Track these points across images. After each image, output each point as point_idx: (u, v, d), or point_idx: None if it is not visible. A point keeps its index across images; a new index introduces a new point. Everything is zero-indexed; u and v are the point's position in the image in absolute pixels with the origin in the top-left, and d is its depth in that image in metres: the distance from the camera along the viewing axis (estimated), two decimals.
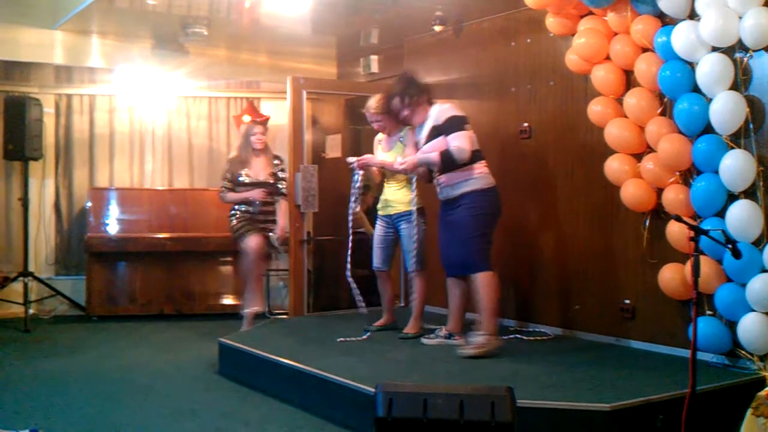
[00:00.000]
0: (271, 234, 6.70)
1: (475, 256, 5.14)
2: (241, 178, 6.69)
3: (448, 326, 5.50)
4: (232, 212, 6.75)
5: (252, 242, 6.58)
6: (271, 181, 6.74)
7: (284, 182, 6.81)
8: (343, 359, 5.04)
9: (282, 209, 6.77)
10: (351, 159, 5.79)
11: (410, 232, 5.72)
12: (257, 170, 6.73)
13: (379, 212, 5.95)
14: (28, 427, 3.93)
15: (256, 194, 6.65)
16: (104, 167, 8.60)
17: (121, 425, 4.44)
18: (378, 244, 5.95)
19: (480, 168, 5.23)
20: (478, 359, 4.96)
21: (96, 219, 8.21)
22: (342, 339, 5.68)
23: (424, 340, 5.49)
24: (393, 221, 5.84)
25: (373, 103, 5.80)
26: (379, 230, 5.95)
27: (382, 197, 5.93)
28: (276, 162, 6.82)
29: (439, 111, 5.29)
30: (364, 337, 5.75)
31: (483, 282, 5.12)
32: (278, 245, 6.75)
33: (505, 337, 5.53)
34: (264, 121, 6.93)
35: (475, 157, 5.22)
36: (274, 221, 6.74)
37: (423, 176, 5.55)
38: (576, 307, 5.81)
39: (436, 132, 5.24)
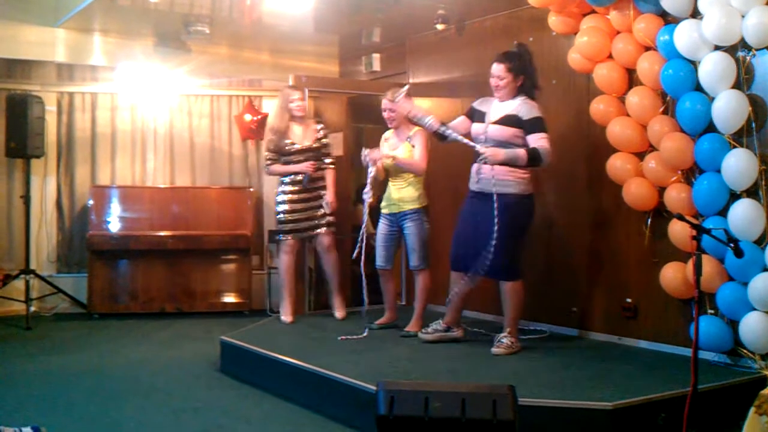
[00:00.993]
0: (323, 205, 6.43)
1: (508, 264, 5.09)
2: (287, 147, 6.41)
3: (445, 319, 5.49)
4: (280, 199, 6.48)
5: (286, 249, 6.51)
6: (316, 146, 6.48)
7: (329, 148, 6.57)
8: (344, 357, 5.04)
9: (330, 180, 6.46)
10: (365, 151, 5.78)
11: (415, 230, 5.72)
12: (301, 137, 6.44)
13: (383, 210, 5.95)
14: (29, 424, 3.93)
15: (306, 167, 6.37)
16: (106, 165, 8.59)
17: (123, 423, 4.44)
18: (381, 242, 5.95)
19: (524, 173, 5.08)
20: (478, 358, 4.96)
21: (98, 217, 8.21)
22: (343, 337, 5.68)
23: (422, 335, 5.50)
24: (397, 219, 5.84)
25: (392, 92, 5.78)
26: (382, 228, 5.94)
27: (386, 195, 5.93)
28: (319, 127, 6.55)
29: (529, 105, 5.09)
30: (364, 334, 5.75)
31: (513, 290, 5.17)
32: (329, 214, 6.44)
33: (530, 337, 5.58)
34: (302, 89, 6.50)
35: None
36: (323, 187, 6.45)
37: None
38: (573, 310, 5.80)
39: (516, 123, 5.04)
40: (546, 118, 5.13)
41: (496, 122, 5.12)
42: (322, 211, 6.45)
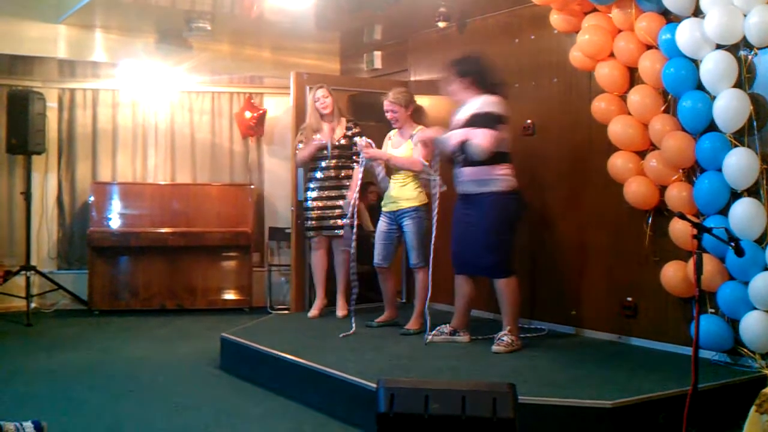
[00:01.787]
0: (343, 204, 6.43)
1: (498, 262, 5.14)
2: (314, 139, 6.49)
3: (452, 323, 5.49)
4: (307, 201, 6.58)
5: (315, 246, 6.62)
6: (345, 144, 6.51)
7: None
8: (344, 355, 5.05)
9: (355, 178, 6.28)
10: (361, 141, 5.82)
11: (414, 228, 5.73)
12: (329, 134, 6.49)
13: (383, 208, 5.95)
14: (30, 419, 3.93)
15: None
16: (107, 162, 8.59)
17: (123, 419, 4.45)
18: (380, 240, 5.95)
19: (503, 170, 5.12)
20: (478, 356, 4.96)
21: (98, 213, 8.21)
22: (344, 334, 5.69)
23: (429, 337, 5.46)
24: (396, 217, 5.84)
25: (393, 92, 5.83)
26: (381, 226, 5.94)
27: (386, 193, 5.93)
28: (349, 125, 6.58)
29: (483, 102, 5.13)
30: (352, 330, 5.77)
31: (507, 287, 5.17)
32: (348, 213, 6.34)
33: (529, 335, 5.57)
34: (328, 87, 6.53)
35: (500, 158, 5.11)
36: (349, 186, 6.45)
37: (444, 158, 5.47)
38: (572, 313, 5.80)
39: (472, 121, 5.11)
40: (504, 115, 5.14)
41: (463, 124, 5.18)
42: (340, 210, 6.46)
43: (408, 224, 5.76)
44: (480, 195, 5.14)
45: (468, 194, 5.23)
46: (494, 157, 5.07)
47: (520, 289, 5.26)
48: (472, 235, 5.19)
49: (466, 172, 5.19)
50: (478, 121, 5.06)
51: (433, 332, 5.49)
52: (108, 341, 6.68)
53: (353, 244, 5.92)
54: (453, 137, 5.16)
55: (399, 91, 5.88)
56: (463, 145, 5.07)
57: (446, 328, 5.49)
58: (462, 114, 5.26)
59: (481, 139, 5.00)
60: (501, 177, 5.13)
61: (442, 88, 5.40)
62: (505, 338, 5.14)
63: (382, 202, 5.98)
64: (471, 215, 5.20)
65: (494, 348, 5.11)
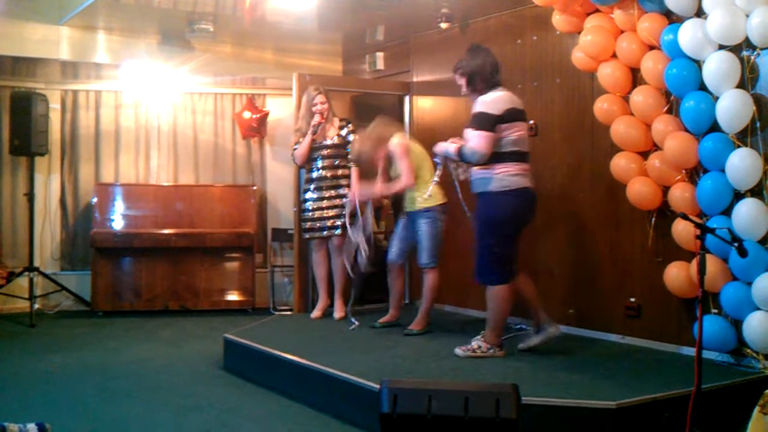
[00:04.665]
0: (344, 204, 6.42)
1: (485, 266, 4.92)
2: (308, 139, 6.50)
3: (534, 322, 5.22)
4: (305, 203, 6.62)
5: (315, 248, 6.65)
6: (337, 143, 6.53)
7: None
8: (347, 355, 5.05)
9: (354, 177, 6.36)
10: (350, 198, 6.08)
11: (426, 228, 5.73)
12: (323, 135, 6.51)
13: (405, 208, 5.97)
14: (34, 421, 3.93)
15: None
16: (110, 163, 8.60)
17: (127, 420, 4.46)
18: (396, 236, 6.01)
19: (503, 168, 4.82)
20: (482, 357, 4.96)
21: (101, 214, 8.22)
22: (352, 327, 5.89)
23: (521, 346, 5.12)
24: (413, 217, 5.85)
25: (359, 148, 5.98)
26: (400, 225, 6.01)
27: (407, 194, 5.92)
28: (342, 124, 6.59)
29: (480, 100, 4.89)
30: (351, 327, 5.89)
31: (492, 295, 4.93)
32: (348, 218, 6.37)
33: (509, 335, 5.52)
34: (324, 91, 6.56)
35: (501, 157, 4.82)
36: (347, 185, 6.46)
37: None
38: (570, 311, 5.79)
39: (469, 123, 4.92)
40: (500, 113, 4.81)
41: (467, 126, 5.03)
42: (336, 211, 6.47)
43: (422, 224, 5.76)
44: (477, 195, 4.99)
45: (474, 193, 5.05)
46: (492, 157, 4.81)
47: (510, 299, 4.95)
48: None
49: (473, 173, 5.02)
50: (472, 123, 4.87)
51: (466, 347, 5.16)
52: (111, 342, 6.69)
53: (364, 246, 5.92)
54: (451, 145, 5.01)
55: (358, 155, 5.98)
56: (459, 150, 4.90)
57: (532, 331, 5.21)
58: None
59: (473, 142, 4.80)
60: (497, 175, 4.83)
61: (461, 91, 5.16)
62: (473, 342, 4.98)
63: (405, 203, 5.97)
64: (476, 215, 5.05)
65: (456, 349, 4.99)
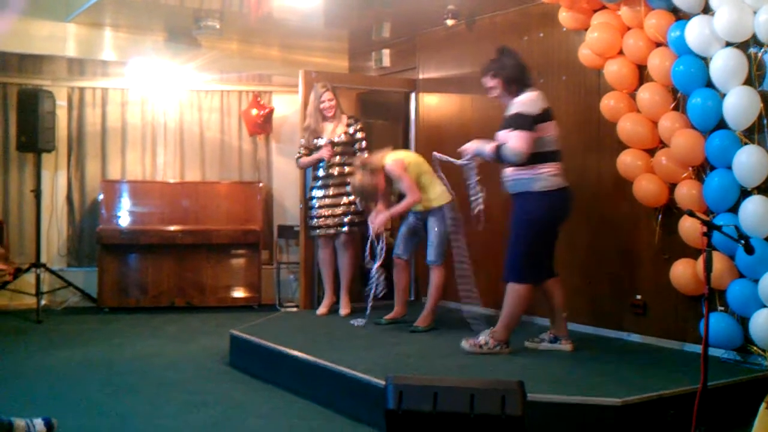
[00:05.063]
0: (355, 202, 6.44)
1: (515, 265, 4.88)
2: (315, 142, 6.54)
3: (551, 330, 5.19)
4: (311, 200, 6.62)
5: (321, 245, 6.66)
6: (345, 140, 6.53)
7: (363, 142, 6.57)
8: (353, 352, 5.05)
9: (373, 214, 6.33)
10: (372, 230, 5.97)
11: (436, 225, 5.73)
12: (331, 133, 6.52)
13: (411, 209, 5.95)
14: (40, 416, 3.95)
15: (324, 152, 6.44)
16: (116, 160, 8.62)
17: (133, 416, 4.47)
18: (404, 233, 6.00)
19: (544, 168, 4.81)
20: (488, 354, 4.95)
21: (108, 211, 8.24)
22: (356, 323, 5.92)
23: (528, 344, 5.13)
24: (423, 217, 5.85)
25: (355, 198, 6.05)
26: (410, 220, 5.98)
27: None
28: (350, 122, 6.60)
29: (515, 103, 4.86)
30: (358, 323, 5.96)
31: (513, 291, 4.89)
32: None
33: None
34: (332, 88, 6.57)
35: (541, 157, 4.80)
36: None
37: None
38: (564, 315, 5.70)
39: (506, 124, 4.88)
40: (539, 113, 4.82)
41: (502, 128, 4.96)
42: (343, 209, 6.46)
43: (432, 221, 5.77)
44: (515, 196, 4.92)
45: (510, 194, 4.99)
46: (532, 157, 4.77)
47: (529, 299, 4.95)
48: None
49: (508, 173, 4.95)
50: (510, 123, 4.84)
51: (534, 339, 5.21)
52: (117, 338, 6.70)
53: (380, 255, 5.95)
54: (488, 146, 4.91)
55: (361, 193, 5.94)
56: (498, 151, 4.83)
57: (547, 336, 5.18)
58: (504, 117, 5.02)
59: (513, 142, 4.75)
60: (538, 176, 4.81)
61: (488, 93, 5.10)
62: (481, 337, 4.96)
63: None
64: (511, 215, 4.99)
65: (462, 342, 4.97)
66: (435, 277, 5.82)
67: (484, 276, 5.93)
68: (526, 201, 4.87)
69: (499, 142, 4.84)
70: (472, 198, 5.10)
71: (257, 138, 8.88)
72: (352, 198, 6.41)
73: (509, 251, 4.94)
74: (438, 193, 5.76)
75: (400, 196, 5.93)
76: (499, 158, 4.85)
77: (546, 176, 4.82)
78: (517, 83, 4.93)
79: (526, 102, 4.84)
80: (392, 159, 5.87)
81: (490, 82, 5.02)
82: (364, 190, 5.85)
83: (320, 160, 6.52)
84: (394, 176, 5.80)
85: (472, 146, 5.02)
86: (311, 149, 6.57)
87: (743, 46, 4.60)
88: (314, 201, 6.60)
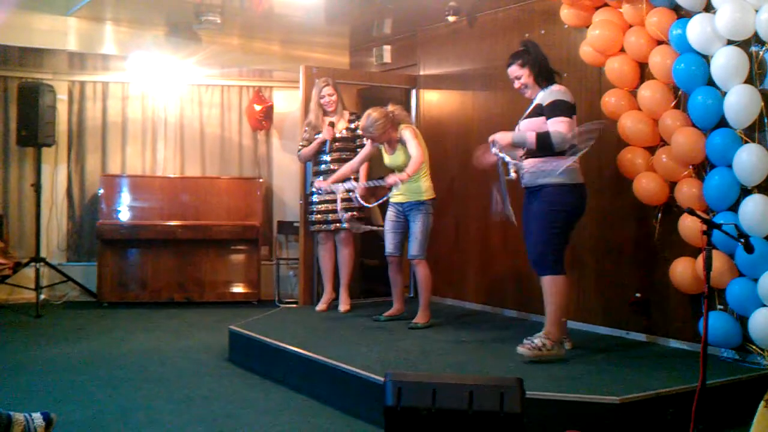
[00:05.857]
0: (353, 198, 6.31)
1: (547, 257, 4.77)
2: (316, 137, 6.51)
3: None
4: (311, 196, 6.60)
5: (321, 241, 6.66)
6: (346, 136, 6.53)
7: (364, 138, 6.37)
8: (352, 348, 5.05)
9: (363, 170, 6.33)
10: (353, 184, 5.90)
11: (419, 220, 5.74)
12: (330, 130, 6.47)
13: (392, 199, 5.95)
14: (39, 411, 3.95)
15: (326, 133, 6.40)
16: (116, 154, 8.62)
17: (132, 411, 4.47)
18: (390, 229, 5.97)
19: (568, 161, 4.68)
20: (487, 351, 4.95)
21: (108, 206, 8.24)
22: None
23: (521, 350, 4.73)
24: (404, 209, 5.85)
25: (367, 126, 5.74)
26: (390, 216, 5.96)
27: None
28: (351, 118, 6.58)
29: (551, 90, 4.80)
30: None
31: (552, 286, 4.75)
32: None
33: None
34: (333, 83, 6.52)
35: (567, 150, 4.68)
36: (355, 179, 6.26)
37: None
38: (563, 320, 5.65)
39: (540, 111, 4.79)
40: (569, 102, 4.78)
41: (527, 116, 4.91)
42: (345, 204, 6.40)
43: (415, 216, 5.77)
44: (538, 187, 4.81)
45: (528, 187, 4.91)
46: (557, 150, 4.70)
47: (568, 291, 4.88)
48: (529, 230, 4.90)
49: (528, 165, 4.85)
50: (553, 109, 4.74)
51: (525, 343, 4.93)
52: (116, 333, 6.71)
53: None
54: (528, 133, 4.78)
55: (372, 124, 5.71)
56: (540, 139, 4.69)
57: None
58: (529, 107, 4.94)
59: (561, 127, 4.67)
60: (567, 168, 4.70)
61: (512, 79, 4.99)
62: (536, 340, 4.68)
63: (391, 193, 5.92)
64: (530, 209, 4.90)
65: (519, 348, 4.68)
66: (420, 272, 5.81)
67: (472, 272, 5.92)
68: (552, 193, 4.75)
69: (539, 130, 4.71)
70: (511, 168, 4.85)
71: (258, 133, 8.88)
72: (350, 191, 6.34)
73: (536, 244, 4.82)
74: (428, 186, 5.77)
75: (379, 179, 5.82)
76: (542, 144, 4.69)
77: (571, 169, 4.74)
78: (545, 75, 4.90)
79: (563, 91, 4.81)
80: (413, 127, 5.86)
81: (518, 71, 4.93)
82: (372, 128, 5.69)
83: (322, 145, 6.47)
84: (405, 137, 5.72)
85: (506, 137, 4.80)
86: (311, 143, 6.55)
87: (744, 45, 4.59)
88: (314, 196, 6.59)
